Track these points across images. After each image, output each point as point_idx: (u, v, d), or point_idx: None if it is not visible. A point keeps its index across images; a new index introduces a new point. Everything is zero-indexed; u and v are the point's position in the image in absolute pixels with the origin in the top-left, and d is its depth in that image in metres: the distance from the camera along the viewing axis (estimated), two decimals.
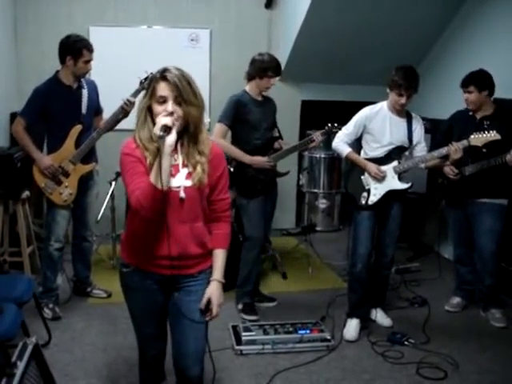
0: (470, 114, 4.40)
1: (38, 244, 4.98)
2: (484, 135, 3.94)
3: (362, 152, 4.27)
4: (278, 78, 4.47)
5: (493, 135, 3.92)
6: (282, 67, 6.47)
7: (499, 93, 4.38)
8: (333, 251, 6.07)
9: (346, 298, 4.46)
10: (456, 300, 4.75)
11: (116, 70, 5.95)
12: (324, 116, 6.61)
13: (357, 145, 4.36)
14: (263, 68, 4.34)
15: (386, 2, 5.57)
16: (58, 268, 4.48)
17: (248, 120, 4.36)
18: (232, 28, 6.50)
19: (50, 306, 4.34)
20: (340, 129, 4.40)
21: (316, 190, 7.04)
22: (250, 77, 4.43)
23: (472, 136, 3.97)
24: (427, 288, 5.17)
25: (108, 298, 4.72)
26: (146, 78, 4.39)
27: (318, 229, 7.09)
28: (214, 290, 2.51)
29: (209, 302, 2.50)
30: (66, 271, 4.82)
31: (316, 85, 6.79)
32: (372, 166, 4.12)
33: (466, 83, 4.34)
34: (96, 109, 4.51)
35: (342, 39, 5.99)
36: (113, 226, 5.49)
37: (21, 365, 2.56)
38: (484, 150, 4.08)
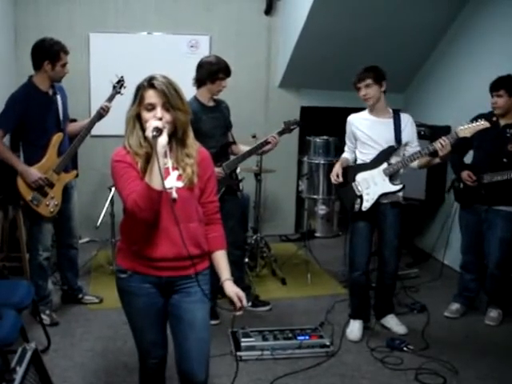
0: (494, 119, 4.28)
1: None
2: (472, 125, 3.79)
3: (358, 160, 4.27)
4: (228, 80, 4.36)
5: (481, 123, 3.78)
6: (282, 74, 6.57)
7: None
8: (332, 257, 6.06)
9: (345, 304, 4.51)
10: (455, 306, 4.74)
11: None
12: (324, 122, 6.66)
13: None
14: (213, 71, 4.23)
15: (386, 8, 5.59)
16: (47, 275, 4.45)
17: (200, 129, 4.08)
18: (232, 34, 6.52)
19: (47, 312, 4.32)
20: (299, 124, 4.54)
21: (315, 196, 7.03)
22: (201, 82, 4.29)
23: (460, 127, 3.82)
24: (426, 294, 5.17)
25: (100, 303, 4.71)
26: (118, 82, 4.44)
27: (318, 235, 7.08)
28: (233, 288, 2.55)
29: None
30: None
31: (315, 91, 6.80)
32: (334, 171, 4.20)
33: (496, 86, 4.24)
34: (68, 115, 4.46)
35: (342, 45, 6.01)
36: (112, 232, 5.48)
37: (20, 370, 2.56)
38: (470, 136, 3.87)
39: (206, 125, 4.24)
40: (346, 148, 4.40)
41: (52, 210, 4.22)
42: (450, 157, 4.64)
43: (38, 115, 4.11)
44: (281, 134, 4.49)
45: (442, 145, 3.81)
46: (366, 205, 4.13)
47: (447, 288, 5.27)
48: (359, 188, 4.16)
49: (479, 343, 4.26)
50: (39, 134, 4.14)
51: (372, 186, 4.12)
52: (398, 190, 4.10)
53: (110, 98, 4.37)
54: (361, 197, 4.15)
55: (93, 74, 6.16)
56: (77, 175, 4.57)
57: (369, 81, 4.04)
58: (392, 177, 4.10)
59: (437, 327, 4.50)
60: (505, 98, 4.20)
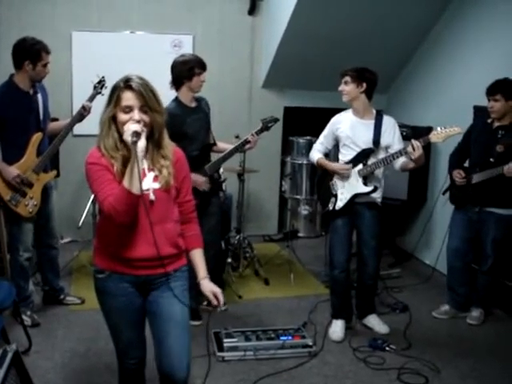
0: (489, 121, 4.33)
1: None
2: (445, 130, 3.78)
3: (339, 161, 4.27)
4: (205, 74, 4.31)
5: (453, 130, 3.77)
6: (265, 74, 6.58)
7: (485, 100, 4.39)
8: (315, 257, 6.07)
9: (328, 304, 4.52)
10: (445, 308, 4.75)
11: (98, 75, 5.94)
12: (307, 122, 6.68)
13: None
14: (189, 68, 4.17)
15: (369, 9, 5.61)
16: (29, 276, 4.41)
17: (185, 133, 4.14)
18: (215, 34, 6.50)
19: (28, 313, 4.28)
20: (276, 121, 4.53)
21: (298, 196, 7.04)
22: (179, 82, 4.21)
23: (433, 132, 3.82)
24: (408, 294, 5.20)
25: (82, 304, 4.68)
26: (99, 82, 4.41)
27: (301, 235, 7.08)
28: (210, 285, 2.58)
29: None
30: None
31: (299, 91, 6.81)
32: (337, 165, 4.20)
33: (492, 91, 4.20)
34: (48, 114, 4.42)
35: (325, 46, 6.03)
36: (94, 232, 5.44)
37: (1, 372, 2.54)
38: (442, 141, 3.87)
39: (190, 128, 4.20)
40: (318, 147, 4.36)
41: (31, 210, 4.18)
42: (450, 158, 4.68)
43: (17, 114, 4.06)
44: (259, 132, 4.48)
45: (414, 148, 3.79)
46: (340, 204, 4.20)
47: (429, 288, 5.32)
48: (335, 187, 4.23)
49: (461, 343, 4.29)
50: (19, 134, 4.09)
51: (346, 186, 4.17)
52: (370, 192, 4.12)
53: (91, 98, 4.34)
54: (336, 196, 4.21)
55: (75, 73, 6.11)
56: (57, 175, 4.53)
57: (347, 78, 4.10)
58: (366, 178, 4.12)
59: (419, 327, 4.53)
60: (501, 102, 4.17)
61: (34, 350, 3.87)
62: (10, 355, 2.71)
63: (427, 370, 3.82)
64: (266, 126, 4.50)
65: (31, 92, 4.16)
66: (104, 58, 6.03)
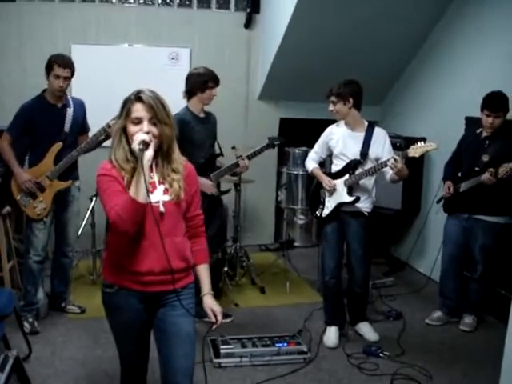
0: (477, 131, 4.44)
1: (18, 259, 4.99)
2: (422, 145, 3.85)
3: (332, 171, 4.38)
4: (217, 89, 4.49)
5: (430, 145, 3.84)
6: (261, 86, 6.66)
7: (476, 111, 4.47)
8: (310, 266, 6.11)
9: (323, 311, 4.56)
10: (437, 314, 4.81)
11: (97, 87, 6.00)
12: (302, 134, 6.75)
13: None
14: (203, 81, 4.36)
15: (362, 23, 5.70)
16: (38, 281, 4.50)
17: (192, 139, 4.31)
18: (212, 47, 6.59)
19: (30, 319, 4.34)
20: (281, 142, 4.87)
21: (294, 206, 7.12)
22: (191, 93, 4.41)
23: (411, 146, 3.89)
24: (402, 302, 5.26)
25: (81, 313, 4.73)
26: None
27: (296, 244, 7.15)
28: (212, 302, 2.60)
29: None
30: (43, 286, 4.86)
31: (294, 103, 6.90)
32: (325, 178, 4.30)
33: (496, 107, 4.21)
34: (81, 128, 4.53)
35: (319, 58, 6.11)
36: (93, 242, 5.52)
37: (2, 377, 2.60)
38: (418, 156, 3.91)
39: (197, 134, 4.37)
40: (313, 155, 4.48)
41: (39, 212, 4.34)
42: (445, 167, 4.76)
43: (41, 124, 4.28)
44: (250, 157, 4.66)
45: (393, 163, 3.86)
46: (326, 211, 4.33)
47: (423, 296, 5.37)
48: (323, 195, 4.36)
49: (454, 349, 4.35)
50: (41, 142, 4.32)
51: (333, 195, 4.28)
52: (353, 202, 4.19)
53: (118, 117, 4.32)
54: (323, 203, 4.34)
55: (74, 85, 6.15)
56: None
57: (333, 98, 4.21)
58: (352, 188, 4.21)
59: (412, 334, 4.59)
60: (502, 118, 4.24)
61: (34, 356, 3.92)
62: (10, 361, 2.77)
63: (420, 375, 3.88)
64: (271, 144, 4.74)
65: (59, 105, 4.35)
66: (102, 71, 6.13)
